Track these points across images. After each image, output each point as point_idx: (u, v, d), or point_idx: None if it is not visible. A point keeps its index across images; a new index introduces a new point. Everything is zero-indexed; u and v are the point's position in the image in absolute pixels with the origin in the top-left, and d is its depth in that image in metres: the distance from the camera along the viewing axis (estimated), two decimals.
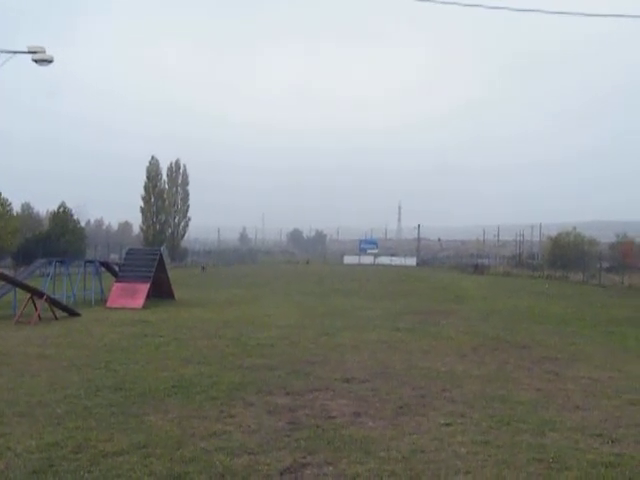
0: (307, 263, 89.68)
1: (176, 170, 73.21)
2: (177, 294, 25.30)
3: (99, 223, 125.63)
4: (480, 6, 17.65)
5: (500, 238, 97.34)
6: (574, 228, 62.66)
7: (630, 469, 6.17)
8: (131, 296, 21.62)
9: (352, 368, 11.30)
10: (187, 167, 73.78)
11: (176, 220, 73.45)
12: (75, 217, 55.15)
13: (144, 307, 21.22)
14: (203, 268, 62.00)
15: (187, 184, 73.87)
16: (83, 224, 64.62)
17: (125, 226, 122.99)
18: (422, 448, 6.74)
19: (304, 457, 6.43)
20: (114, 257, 50.58)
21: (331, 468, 6.14)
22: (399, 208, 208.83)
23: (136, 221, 79.37)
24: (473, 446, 6.82)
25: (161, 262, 24.11)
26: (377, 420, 7.87)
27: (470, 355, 13.14)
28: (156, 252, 25.01)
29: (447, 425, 7.63)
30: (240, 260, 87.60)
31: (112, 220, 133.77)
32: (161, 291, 24.29)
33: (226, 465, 6.13)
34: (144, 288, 22.17)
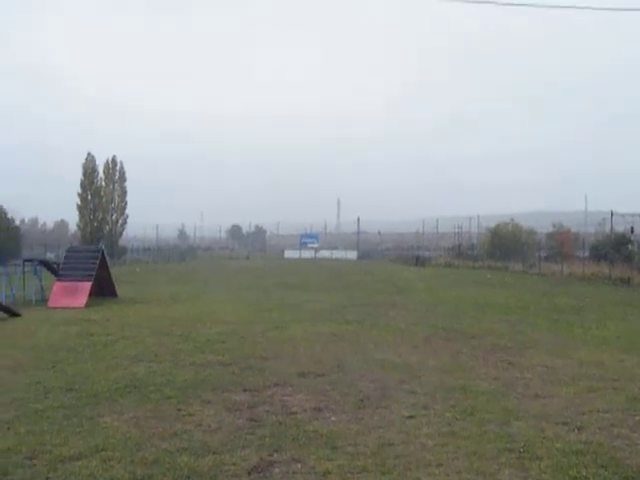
0: (247, 258, 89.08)
1: (113, 167, 71.79)
2: (119, 292, 24.69)
3: (34, 222, 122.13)
4: None
5: (439, 230, 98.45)
6: (512, 219, 63.82)
7: (600, 456, 6.17)
8: (73, 295, 20.96)
9: (306, 362, 11.13)
10: (123, 164, 72.53)
11: (113, 217, 72.05)
12: (9, 216, 53.41)
13: (87, 306, 20.62)
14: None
15: (124, 181, 72.53)
16: (17, 223, 62.79)
17: (61, 225, 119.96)
18: (389, 442, 6.62)
19: (270, 455, 6.25)
20: (50, 256, 49.15)
21: (299, 465, 5.97)
22: (338, 202, 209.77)
23: (72, 220, 77.60)
24: (440, 438, 6.74)
25: (103, 260, 23.47)
26: (339, 414, 7.73)
27: (423, 346, 13.12)
28: (98, 250, 24.28)
29: (411, 417, 7.54)
30: (180, 257, 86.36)
31: (47, 219, 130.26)
32: (103, 289, 23.67)
33: (191, 466, 5.89)
34: (86, 287, 21.53)
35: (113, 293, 24.18)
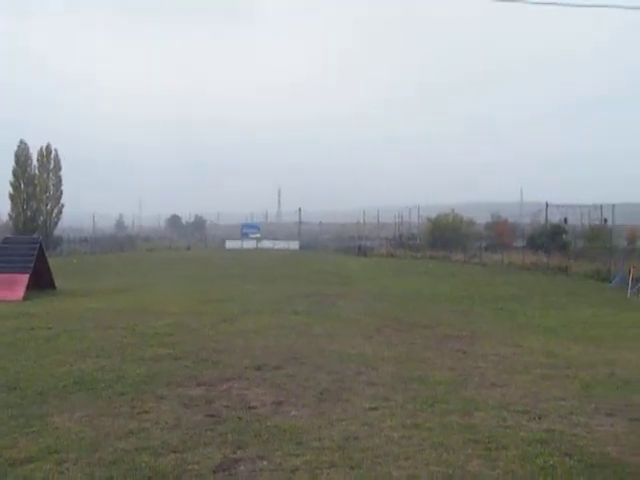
0: (188, 249, 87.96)
1: (47, 155, 69.82)
2: (57, 284, 23.95)
3: None
4: None
5: (380, 220, 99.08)
6: (452, 210, 64.63)
7: (564, 445, 6.20)
8: (9, 288, 20.19)
9: (261, 354, 10.95)
10: (58, 152, 70.68)
11: (48, 207, 70.19)
12: None
13: (24, 299, 19.92)
14: None
15: (59, 169, 70.63)
16: None
17: None
18: (354, 435, 6.52)
19: (234, 452, 6.06)
20: None
21: (265, 462, 5.80)
22: (279, 192, 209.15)
23: (2, 209, 75.27)
24: (405, 430, 6.66)
25: (41, 251, 22.69)
26: (300, 408, 7.58)
27: (376, 336, 13.09)
28: (36, 241, 23.48)
29: (373, 409, 7.45)
30: (118, 248, 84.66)
31: None
32: (41, 281, 22.90)
33: (152, 466, 5.66)
34: (24, 279, 20.77)
35: (51, 285, 23.45)
